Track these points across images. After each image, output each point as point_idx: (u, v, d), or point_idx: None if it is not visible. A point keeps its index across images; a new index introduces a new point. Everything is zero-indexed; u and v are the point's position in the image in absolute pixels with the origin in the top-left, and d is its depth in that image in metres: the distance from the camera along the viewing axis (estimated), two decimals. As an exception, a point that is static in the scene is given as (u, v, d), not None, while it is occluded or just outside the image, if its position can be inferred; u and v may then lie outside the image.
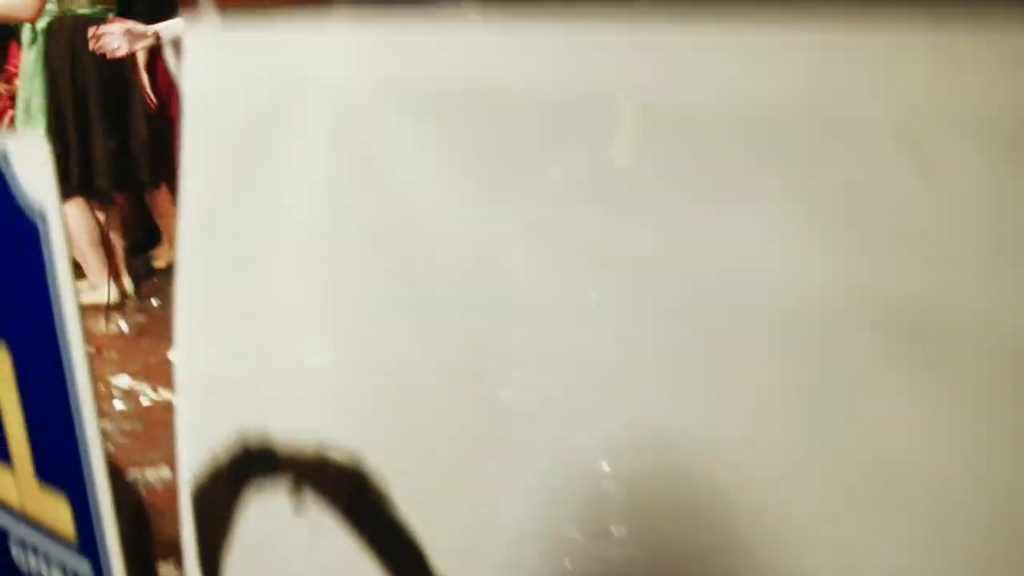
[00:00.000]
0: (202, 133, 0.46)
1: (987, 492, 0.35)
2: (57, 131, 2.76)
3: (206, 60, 0.43)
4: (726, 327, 0.39)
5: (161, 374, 2.40)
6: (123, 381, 2.34)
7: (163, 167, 3.26)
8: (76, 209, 2.89)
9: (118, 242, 3.14)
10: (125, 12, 2.94)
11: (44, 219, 0.51)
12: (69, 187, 2.83)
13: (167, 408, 2.17)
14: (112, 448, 1.90)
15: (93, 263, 3.00)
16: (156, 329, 2.88)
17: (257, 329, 0.61)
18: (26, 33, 2.83)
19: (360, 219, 0.46)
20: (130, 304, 3.12)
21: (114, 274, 3.18)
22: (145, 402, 2.20)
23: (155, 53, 3.30)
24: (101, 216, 3.02)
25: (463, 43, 0.36)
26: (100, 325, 2.91)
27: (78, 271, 3.18)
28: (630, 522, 0.42)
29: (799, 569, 0.38)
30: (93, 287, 3.04)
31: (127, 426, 2.03)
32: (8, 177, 0.52)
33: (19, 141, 0.49)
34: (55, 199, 0.50)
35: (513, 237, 0.41)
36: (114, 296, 3.05)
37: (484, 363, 0.46)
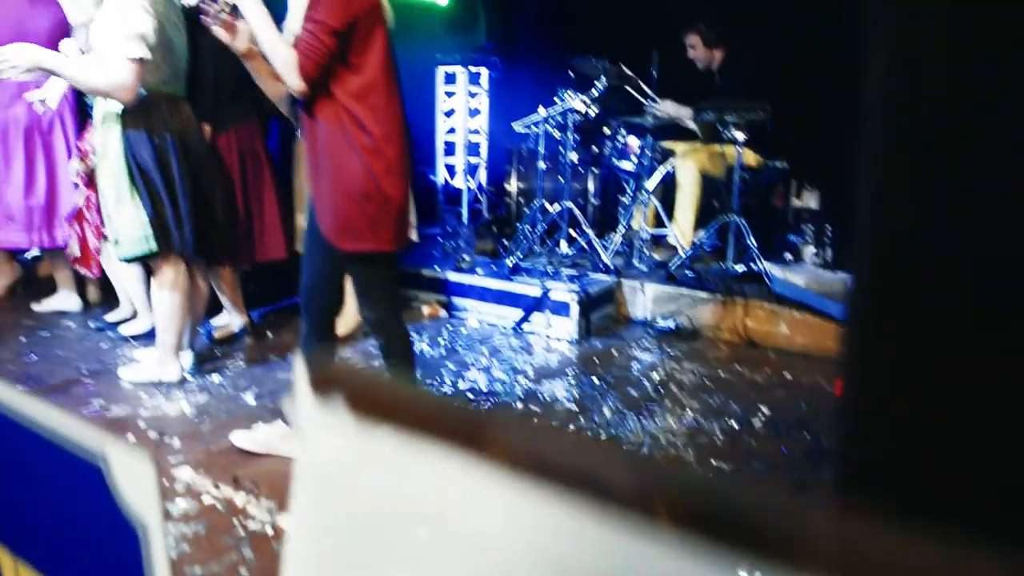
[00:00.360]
0: (318, 509, 0.43)
1: None
2: (149, 200, 2.86)
3: (329, 443, 0.40)
4: None
5: (223, 466, 2.41)
6: (185, 474, 2.35)
7: (232, 242, 3.33)
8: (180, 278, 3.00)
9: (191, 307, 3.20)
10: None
11: (144, 528, 0.49)
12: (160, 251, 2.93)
13: (230, 508, 2.16)
14: (172, 556, 1.89)
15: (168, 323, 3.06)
16: (218, 411, 2.90)
17: None
18: (98, 112, 2.93)
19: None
20: (192, 382, 3.16)
21: (189, 339, 3.25)
22: (207, 500, 2.19)
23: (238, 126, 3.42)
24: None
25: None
26: (162, 403, 2.95)
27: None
28: None
29: None
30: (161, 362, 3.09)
31: (189, 530, 2.03)
32: (108, 480, 0.50)
33: (120, 451, 0.46)
34: (157, 512, 0.47)
35: None
36: (174, 375, 3.09)
37: None
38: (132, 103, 2.77)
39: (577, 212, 4.35)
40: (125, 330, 3.69)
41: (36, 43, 2.81)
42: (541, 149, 4.42)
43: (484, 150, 5.58)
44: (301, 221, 3.71)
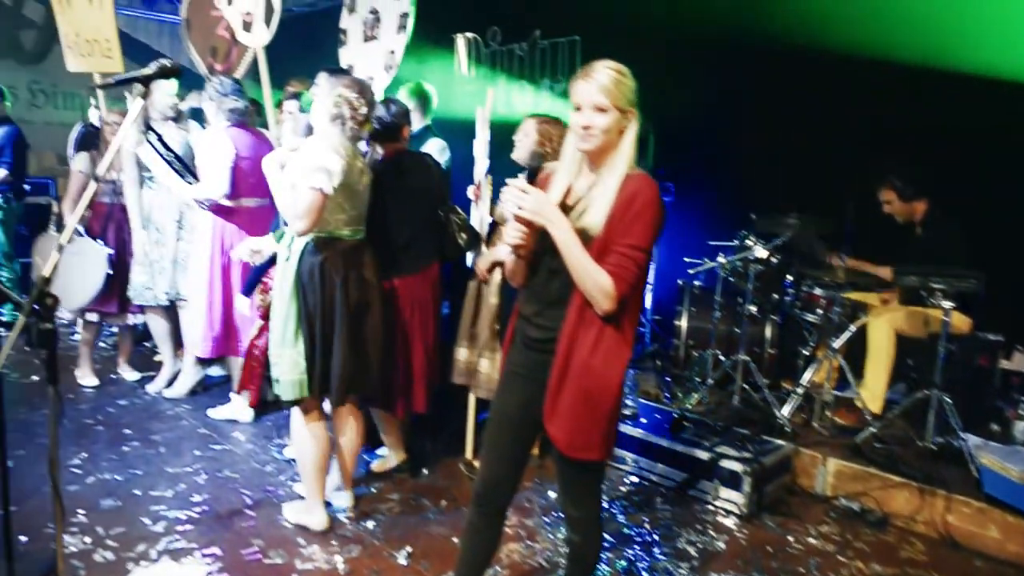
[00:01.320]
0: None
1: None
2: (311, 350, 2.92)
3: None
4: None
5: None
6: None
7: (387, 389, 3.33)
8: (311, 425, 3.00)
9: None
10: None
11: None
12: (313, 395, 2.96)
13: None
14: None
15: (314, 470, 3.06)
16: (369, 563, 2.84)
17: None
18: (283, 249, 3.03)
19: None
20: (348, 527, 3.13)
21: (345, 480, 3.25)
22: None
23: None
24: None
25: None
26: (316, 552, 2.92)
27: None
28: None
29: None
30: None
31: None
32: None
33: None
34: None
35: None
36: (320, 523, 3.08)
37: None
38: (313, 241, 2.88)
39: (752, 363, 4.06)
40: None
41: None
42: (718, 296, 4.19)
43: (652, 276, 5.41)
44: (461, 355, 3.69)
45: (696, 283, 4.67)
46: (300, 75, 5.47)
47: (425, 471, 3.74)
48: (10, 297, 2.28)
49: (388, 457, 3.65)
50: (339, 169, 2.81)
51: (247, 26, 5.46)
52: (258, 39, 5.38)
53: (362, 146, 3.21)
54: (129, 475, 3.54)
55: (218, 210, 4.04)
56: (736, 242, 4.35)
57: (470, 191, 3.53)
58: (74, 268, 4.45)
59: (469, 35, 6.88)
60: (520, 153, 3.37)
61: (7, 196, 5.94)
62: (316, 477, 3.07)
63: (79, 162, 4.74)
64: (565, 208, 2.10)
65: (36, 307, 2.06)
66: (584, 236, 2.01)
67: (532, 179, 2.18)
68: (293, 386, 2.93)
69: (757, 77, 4.92)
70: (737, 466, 3.56)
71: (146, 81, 2.21)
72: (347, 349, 2.95)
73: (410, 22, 4.89)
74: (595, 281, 1.98)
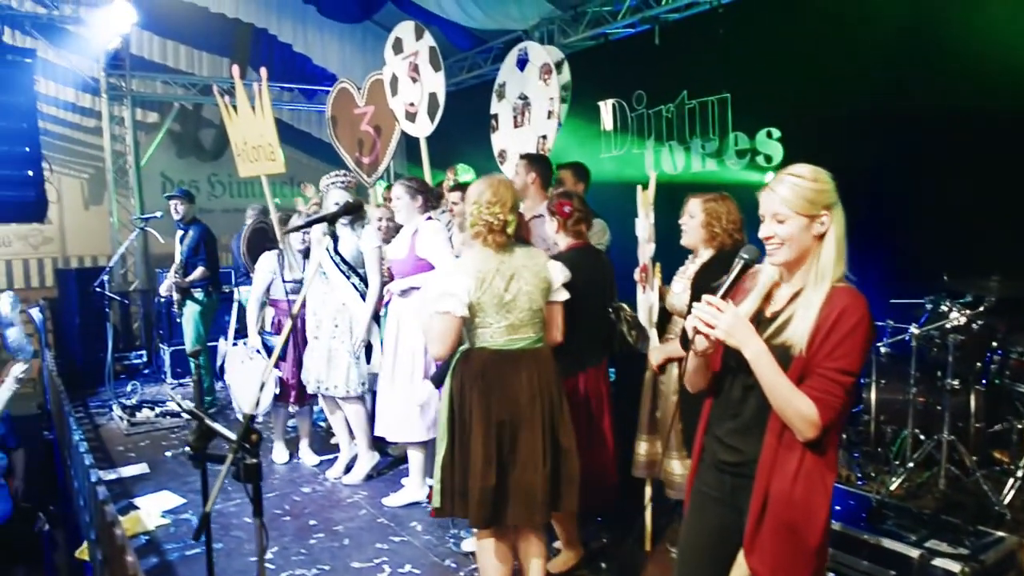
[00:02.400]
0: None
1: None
2: (445, 459, 2.85)
3: None
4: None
5: None
6: None
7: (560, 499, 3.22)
8: (487, 543, 2.95)
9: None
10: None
11: None
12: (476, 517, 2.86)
13: None
14: None
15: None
16: None
17: None
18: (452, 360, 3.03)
19: None
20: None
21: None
22: None
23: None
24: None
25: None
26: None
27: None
28: None
29: None
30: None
31: None
32: None
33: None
34: None
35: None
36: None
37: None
38: (463, 354, 2.85)
39: (957, 441, 3.67)
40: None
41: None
42: (913, 370, 3.83)
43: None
44: (641, 448, 3.56)
45: (883, 350, 4.31)
46: (457, 155, 5.66)
47: (604, 565, 3.62)
48: (219, 433, 2.42)
49: (564, 555, 3.55)
50: (466, 290, 2.74)
51: (410, 116, 5.73)
52: (421, 130, 5.64)
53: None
54: (319, 571, 3.66)
55: None
56: (928, 304, 3.99)
57: (637, 274, 3.43)
58: (254, 377, 4.82)
59: (612, 101, 6.89)
60: (689, 238, 3.24)
61: (207, 290, 6.49)
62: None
63: (265, 262, 5.07)
64: (762, 320, 1.97)
65: (244, 443, 2.17)
66: (782, 353, 1.86)
67: (712, 267, 2.07)
68: (438, 495, 2.88)
69: (925, 134, 4.60)
70: (954, 565, 3.17)
71: (332, 220, 2.32)
72: (487, 471, 2.77)
73: (559, 107, 4.95)
74: (796, 409, 1.81)
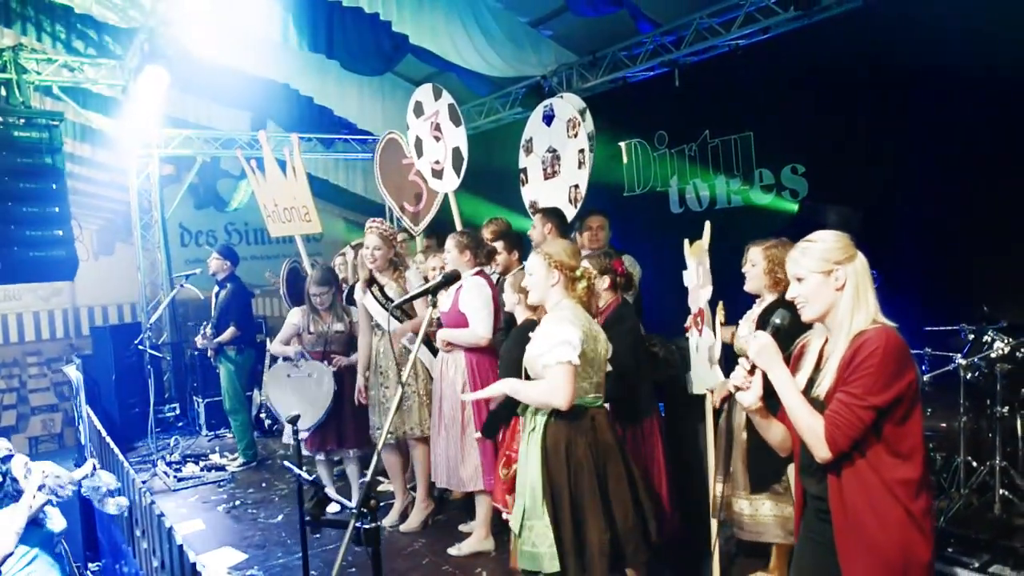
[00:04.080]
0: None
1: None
2: (555, 519, 2.89)
3: None
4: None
5: None
6: None
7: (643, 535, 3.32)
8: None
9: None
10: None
11: None
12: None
13: None
14: None
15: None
16: None
17: None
18: (528, 421, 3.06)
19: None
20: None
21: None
22: None
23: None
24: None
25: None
26: None
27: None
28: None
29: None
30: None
31: None
32: None
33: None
34: None
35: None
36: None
37: None
38: (555, 413, 2.89)
39: (1009, 467, 3.77)
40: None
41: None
42: (962, 399, 3.95)
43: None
44: (719, 490, 3.66)
45: (926, 379, 4.42)
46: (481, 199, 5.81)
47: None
48: (339, 501, 2.52)
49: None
50: (578, 339, 2.83)
51: (436, 173, 5.91)
52: (448, 185, 5.81)
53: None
54: (394, 622, 3.73)
55: (474, 349, 4.26)
56: (970, 335, 4.11)
57: (689, 320, 3.57)
58: (306, 390, 4.94)
59: (631, 142, 7.08)
60: (752, 284, 3.38)
61: (239, 348, 6.59)
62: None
63: (293, 316, 5.21)
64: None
65: (363, 509, 2.28)
66: (820, 406, 2.03)
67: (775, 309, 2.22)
68: (542, 559, 2.92)
69: (947, 161, 4.75)
70: (1020, 590, 3.28)
71: (435, 291, 2.46)
72: (603, 523, 2.88)
73: (589, 157, 5.12)
74: (810, 427, 2.00)
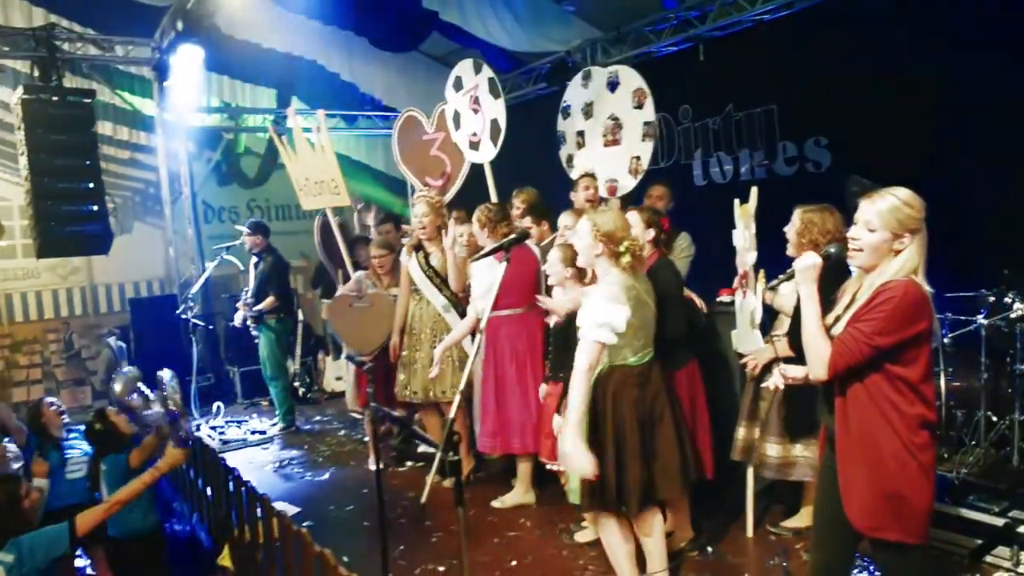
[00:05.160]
0: None
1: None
2: (601, 463, 3.10)
3: None
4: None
5: None
6: None
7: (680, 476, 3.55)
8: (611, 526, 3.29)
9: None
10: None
11: None
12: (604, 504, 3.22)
13: None
14: None
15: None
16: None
17: None
18: None
19: None
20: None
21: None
22: None
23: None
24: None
25: None
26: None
27: None
28: None
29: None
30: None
31: None
32: None
33: None
34: None
35: None
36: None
37: None
38: (605, 370, 3.13)
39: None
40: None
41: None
42: (983, 357, 4.16)
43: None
44: (739, 434, 3.91)
45: (954, 341, 4.62)
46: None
47: (710, 549, 3.94)
48: (424, 438, 2.74)
49: (676, 536, 3.87)
50: (622, 320, 3.01)
51: (473, 145, 6.08)
52: (485, 155, 5.99)
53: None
54: (448, 565, 3.98)
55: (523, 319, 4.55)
56: (990, 297, 4.31)
57: (736, 282, 3.77)
58: (368, 319, 5.27)
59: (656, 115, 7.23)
60: (792, 248, 3.58)
61: (279, 316, 6.83)
62: (630, 569, 3.33)
63: (357, 276, 5.54)
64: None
65: (448, 443, 2.50)
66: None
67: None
68: (575, 493, 3.25)
69: (969, 129, 4.90)
70: (1038, 530, 3.50)
71: (508, 247, 2.68)
72: (640, 465, 3.14)
73: (655, 130, 5.28)
74: (817, 347, 2.26)
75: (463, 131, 6.11)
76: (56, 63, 8.29)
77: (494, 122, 5.85)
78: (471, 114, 6.05)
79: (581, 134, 5.92)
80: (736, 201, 3.75)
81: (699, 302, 4.36)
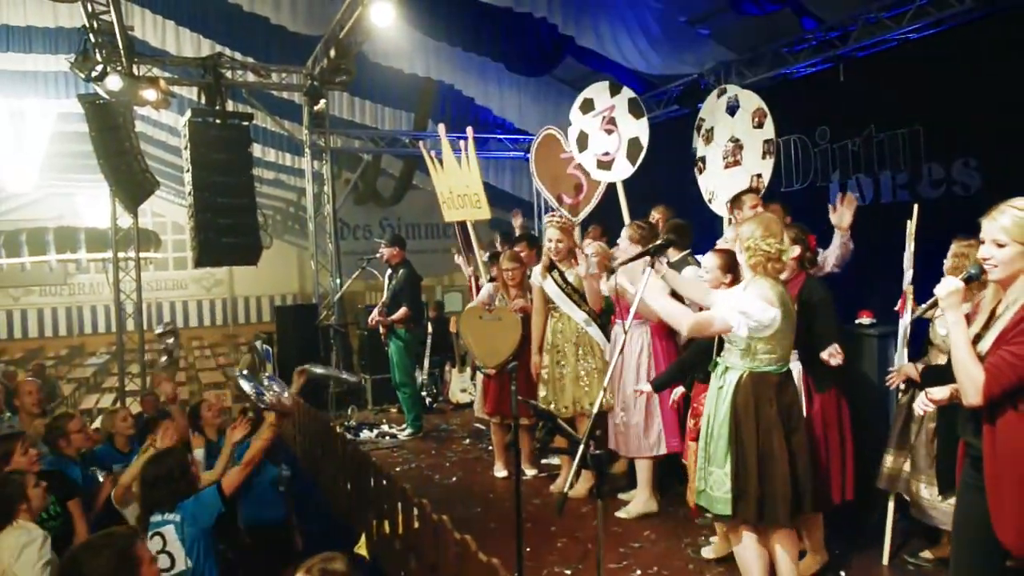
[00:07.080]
0: None
1: None
2: (736, 471, 3.17)
3: None
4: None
5: None
6: None
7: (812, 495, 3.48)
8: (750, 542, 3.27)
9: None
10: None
11: None
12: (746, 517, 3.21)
13: None
14: None
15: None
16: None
17: None
18: (717, 379, 3.34)
19: None
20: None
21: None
22: None
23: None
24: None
25: None
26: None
27: None
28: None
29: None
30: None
31: None
32: None
33: None
34: None
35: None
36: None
37: None
38: (748, 376, 3.15)
39: None
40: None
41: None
42: None
43: None
44: (887, 461, 3.79)
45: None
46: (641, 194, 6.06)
47: (843, 573, 3.82)
48: (568, 432, 2.87)
49: (811, 559, 3.79)
50: (769, 318, 3.04)
51: (603, 165, 6.22)
52: (620, 174, 6.10)
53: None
54: (573, 569, 4.05)
55: (660, 331, 4.65)
56: None
57: (899, 304, 3.73)
58: (496, 332, 5.49)
59: (791, 137, 7.13)
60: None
61: (409, 326, 7.16)
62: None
63: (487, 287, 5.78)
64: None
65: (592, 438, 2.61)
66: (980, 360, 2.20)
67: None
68: (721, 503, 3.22)
69: None
70: None
71: (656, 252, 2.79)
72: (787, 474, 3.12)
73: (774, 148, 5.28)
74: (968, 373, 2.17)
75: (590, 152, 6.25)
76: (220, 89, 9.07)
77: (633, 141, 5.96)
78: (603, 135, 6.19)
79: (703, 159, 5.94)
80: (909, 222, 3.73)
81: None
